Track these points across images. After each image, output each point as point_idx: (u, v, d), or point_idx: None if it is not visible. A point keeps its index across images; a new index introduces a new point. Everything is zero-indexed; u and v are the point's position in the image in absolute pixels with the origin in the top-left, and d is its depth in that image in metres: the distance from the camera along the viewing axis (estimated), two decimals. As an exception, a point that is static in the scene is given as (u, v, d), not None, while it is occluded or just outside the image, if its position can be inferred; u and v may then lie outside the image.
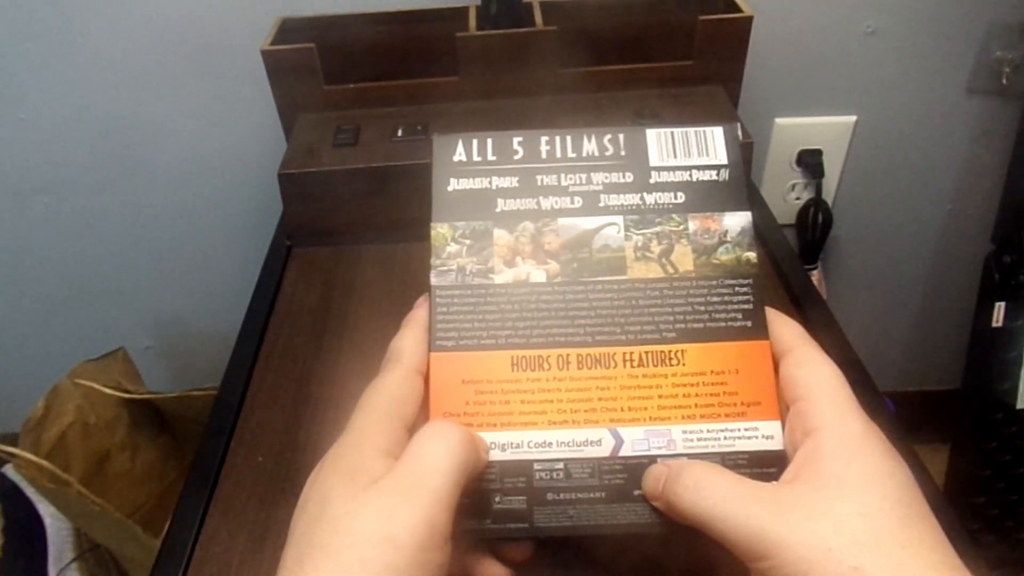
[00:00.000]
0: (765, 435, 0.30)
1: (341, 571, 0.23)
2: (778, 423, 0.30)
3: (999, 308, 0.89)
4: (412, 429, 0.28)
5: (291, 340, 0.53)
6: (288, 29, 0.69)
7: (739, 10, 0.67)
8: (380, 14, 0.70)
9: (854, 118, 0.88)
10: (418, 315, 0.32)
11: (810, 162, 0.90)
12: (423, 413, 0.30)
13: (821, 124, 0.88)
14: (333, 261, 0.61)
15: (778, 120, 0.88)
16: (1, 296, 0.99)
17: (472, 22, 0.68)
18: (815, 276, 0.96)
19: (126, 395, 0.84)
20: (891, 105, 0.87)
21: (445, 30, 0.66)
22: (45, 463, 0.73)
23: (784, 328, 0.31)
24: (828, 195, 0.93)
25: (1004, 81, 0.83)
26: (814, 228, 0.93)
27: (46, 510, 0.84)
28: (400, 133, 0.64)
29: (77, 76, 0.81)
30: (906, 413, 1.02)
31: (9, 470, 0.85)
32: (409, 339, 0.31)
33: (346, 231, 0.63)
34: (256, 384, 0.50)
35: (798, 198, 0.93)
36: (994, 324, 0.89)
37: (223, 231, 0.94)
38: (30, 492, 0.85)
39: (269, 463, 0.44)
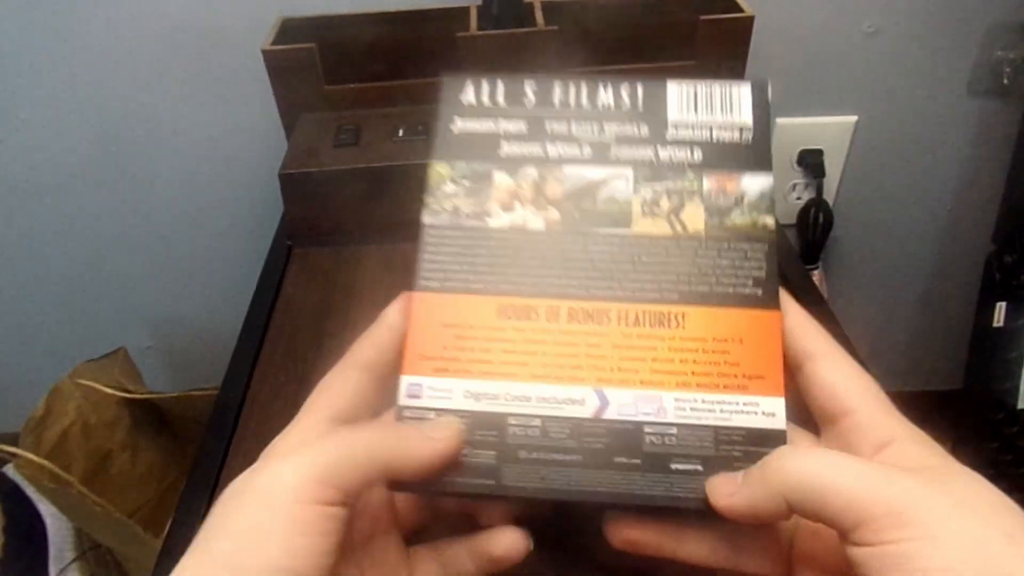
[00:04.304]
0: (766, 412, 0.28)
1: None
2: (782, 400, 0.28)
3: (1000, 308, 0.89)
4: (346, 419, 0.28)
5: (291, 340, 0.53)
6: (288, 29, 0.69)
7: (740, 10, 0.67)
8: (381, 14, 0.70)
9: (855, 118, 0.88)
10: (388, 313, 0.30)
11: (811, 162, 0.89)
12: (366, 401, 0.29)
13: (822, 124, 0.88)
14: (334, 261, 0.61)
15: (779, 120, 0.88)
16: (1, 296, 0.99)
17: (473, 22, 0.68)
18: (816, 276, 0.96)
19: (127, 395, 0.84)
20: (892, 105, 0.87)
21: (446, 30, 0.66)
22: (46, 463, 0.73)
23: (812, 328, 0.29)
24: (829, 195, 0.93)
25: (1005, 81, 0.83)
26: (815, 228, 0.93)
27: (47, 510, 0.84)
28: (401, 133, 0.63)
29: (77, 76, 0.81)
30: (906, 413, 1.02)
31: (10, 470, 0.85)
32: (365, 334, 0.30)
33: (347, 231, 0.63)
34: (256, 384, 0.50)
35: (799, 198, 0.93)
36: (995, 324, 0.89)
37: (223, 231, 0.94)
38: (31, 492, 0.85)
39: (270, 463, 0.44)
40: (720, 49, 0.67)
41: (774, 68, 0.83)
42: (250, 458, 0.26)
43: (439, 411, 0.28)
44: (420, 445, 0.27)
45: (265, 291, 0.58)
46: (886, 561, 0.21)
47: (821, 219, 0.93)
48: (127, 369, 0.87)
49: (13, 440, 0.74)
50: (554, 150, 0.31)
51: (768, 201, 0.30)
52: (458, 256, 0.30)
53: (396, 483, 0.28)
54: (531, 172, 0.31)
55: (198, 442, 0.46)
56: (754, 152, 0.31)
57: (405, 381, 0.29)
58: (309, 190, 0.61)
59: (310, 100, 0.67)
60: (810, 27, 0.81)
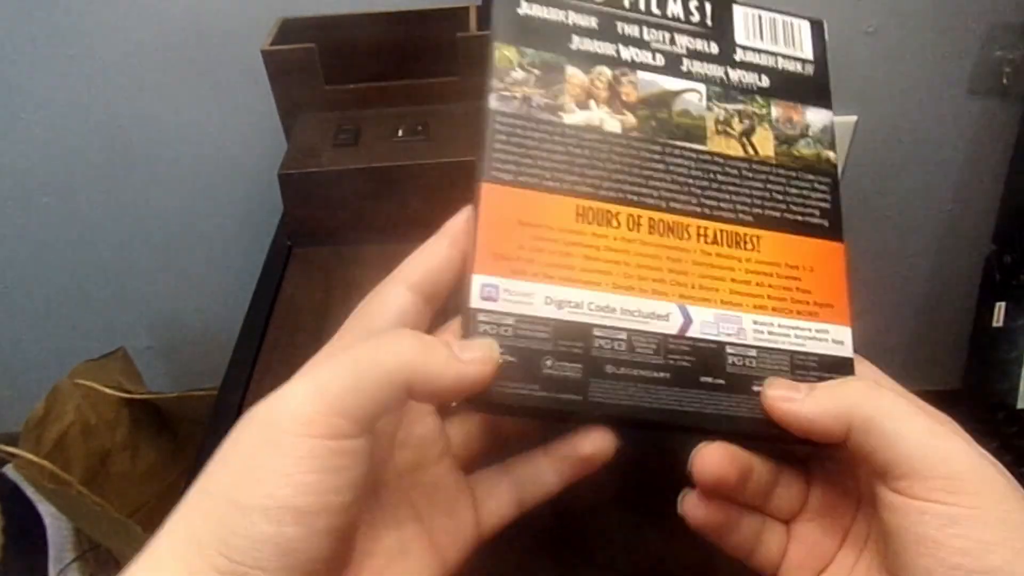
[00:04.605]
0: (835, 339, 0.28)
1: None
2: (848, 329, 0.29)
3: (1000, 308, 0.89)
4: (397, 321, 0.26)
5: (291, 340, 0.53)
6: (288, 29, 0.69)
7: (740, 10, 0.67)
8: (380, 14, 0.70)
9: (854, 118, 0.88)
10: (455, 223, 0.27)
11: (810, 162, 0.89)
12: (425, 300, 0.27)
13: (821, 124, 0.88)
14: (333, 261, 0.61)
15: (778, 120, 0.88)
16: (1, 296, 0.99)
17: (472, 22, 0.68)
18: (815, 276, 0.96)
19: (126, 395, 0.84)
20: (891, 105, 0.87)
21: (446, 30, 0.66)
22: (45, 463, 0.73)
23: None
24: (828, 195, 0.93)
25: (1004, 81, 0.83)
26: (814, 228, 0.93)
27: (46, 510, 0.84)
28: (400, 133, 0.64)
29: (77, 76, 0.81)
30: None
31: (9, 470, 0.85)
32: (419, 250, 0.27)
33: (346, 231, 0.63)
34: (256, 384, 0.50)
35: (798, 198, 0.93)
36: (995, 324, 0.89)
37: (223, 231, 0.94)
38: (30, 492, 0.85)
39: (269, 463, 0.44)
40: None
41: (774, 68, 0.83)
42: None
43: (518, 317, 0.25)
44: (446, 366, 0.23)
45: (265, 291, 0.58)
46: (926, 517, 0.22)
47: (821, 219, 0.93)
48: (127, 369, 0.87)
49: (13, 440, 0.74)
50: (627, 53, 0.30)
51: (830, 136, 0.31)
52: (532, 149, 0.28)
53: (462, 403, 0.25)
54: (604, 71, 0.29)
55: (198, 442, 0.46)
56: (816, 86, 0.32)
57: (478, 281, 0.26)
58: (309, 190, 0.61)
59: (310, 100, 0.67)
60: (810, 27, 0.81)
